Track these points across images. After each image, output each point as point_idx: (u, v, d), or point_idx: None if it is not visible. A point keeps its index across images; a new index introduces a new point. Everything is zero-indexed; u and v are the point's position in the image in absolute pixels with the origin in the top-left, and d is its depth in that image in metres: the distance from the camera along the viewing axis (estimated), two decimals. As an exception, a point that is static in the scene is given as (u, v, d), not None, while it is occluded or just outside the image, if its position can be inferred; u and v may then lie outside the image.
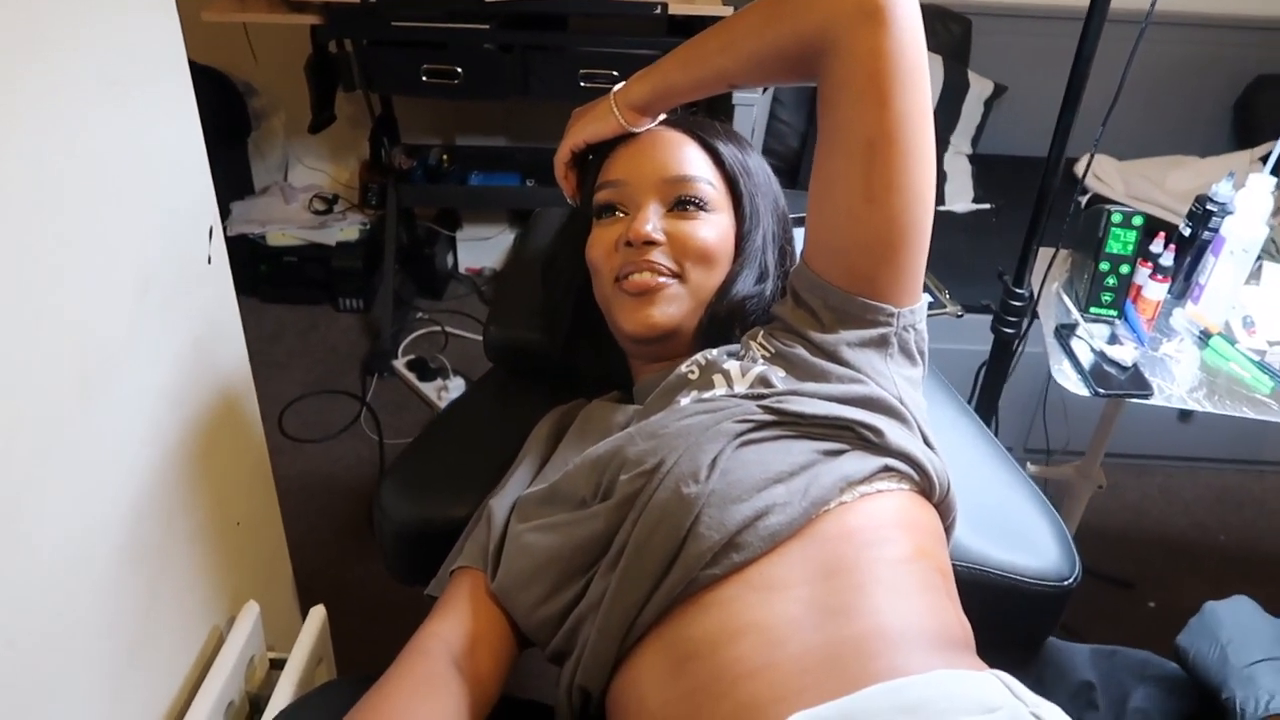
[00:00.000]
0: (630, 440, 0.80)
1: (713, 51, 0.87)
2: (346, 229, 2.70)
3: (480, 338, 1.91)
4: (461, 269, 2.91)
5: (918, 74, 0.79)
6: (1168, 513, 2.19)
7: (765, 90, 2.33)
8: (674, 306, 0.89)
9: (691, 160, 0.93)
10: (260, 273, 2.67)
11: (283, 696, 1.04)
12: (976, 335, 1.62)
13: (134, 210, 0.89)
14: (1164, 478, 2.27)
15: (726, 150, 0.95)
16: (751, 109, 2.18)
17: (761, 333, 0.89)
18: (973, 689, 0.63)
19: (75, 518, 0.83)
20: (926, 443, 0.83)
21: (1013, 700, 0.62)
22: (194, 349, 1.02)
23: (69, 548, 0.82)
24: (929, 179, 0.81)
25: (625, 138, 0.95)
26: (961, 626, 0.76)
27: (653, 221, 0.89)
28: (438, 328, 2.65)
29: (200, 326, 1.03)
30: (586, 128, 0.96)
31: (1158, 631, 1.88)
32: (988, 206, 2.42)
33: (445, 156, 2.63)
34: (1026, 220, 1.42)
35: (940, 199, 2.43)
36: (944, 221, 2.42)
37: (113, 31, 0.84)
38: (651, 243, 0.89)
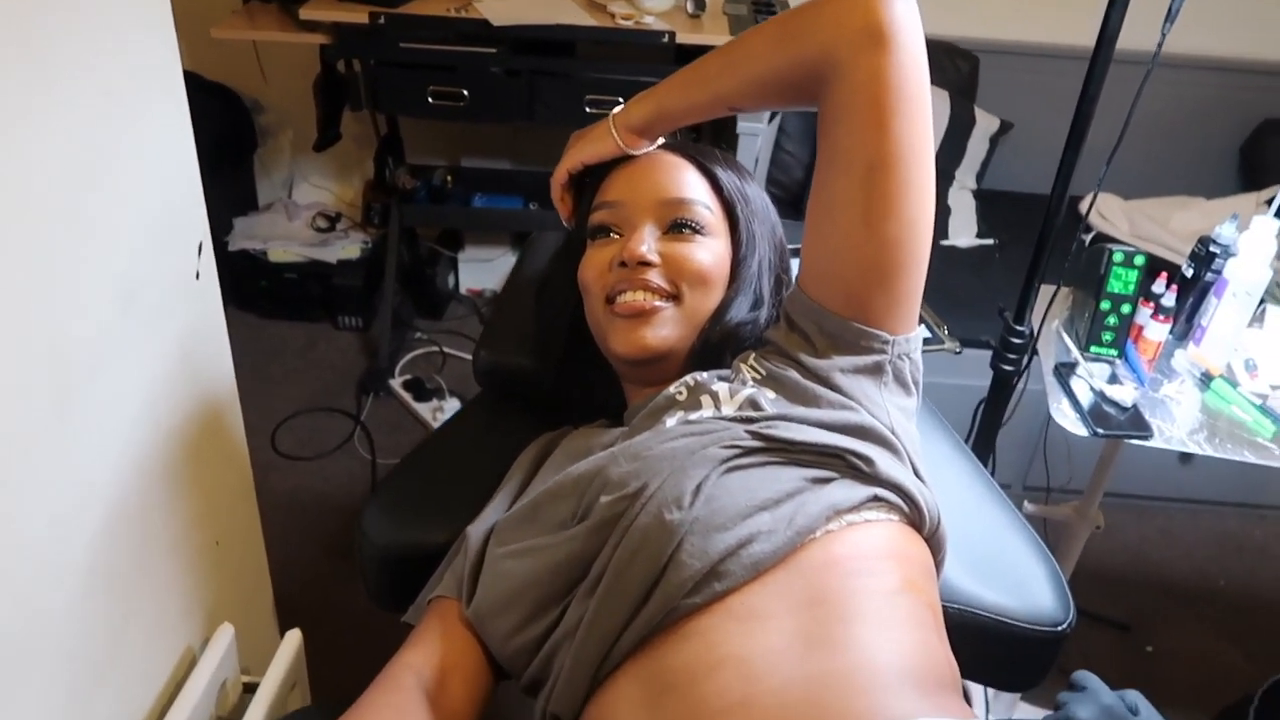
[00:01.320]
0: (613, 460, 0.78)
1: (713, 75, 0.87)
2: (348, 247, 2.69)
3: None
4: (462, 290, 2.91)
5: (919, 100, 0.78)
6: (1167, 555, 2.16)
7: (770, 120, 2.33)
8: (667, 329, 0.88)
9: (689, 183, 0.92)
10: (261, 289, 2.67)
11: (253, 722, 1.02)
12: (976, 371, 1.60)
13: (119, 223, 0.88)
14: (1164, 519, 2.24)
15: (725, 176, 0.94)
16: (756, 139, 2.18)
17: (753, 355, 0.87)
18: (956, 740, 0.61)
19: (46, 531, 0.81)
20: (918, 474, 0.81)
21: (997, 753, 0.59)
22: (178, 364, 1.00)
23: (39, 561, 0.80)
24: (928, 206, 0.80)
25: (623, 160, 0.95)
26: (949, 666, 0.73)
27: (648, 242, 0.88)
28: (436, 348, 2.64)
29: (186, 342, 1.02)
30: (585, 149, 0.95)
31: (1155, 676, 1.86)
32: (991, 242, 2.41)
33: (449, 178, 2.63)
34: (1029, 257, 1.41)
35: (944, 233, 2.42)
36: (947, 256, 2.43)
37: (109, 44, 0.84)
38: (646, 263, 0.88)
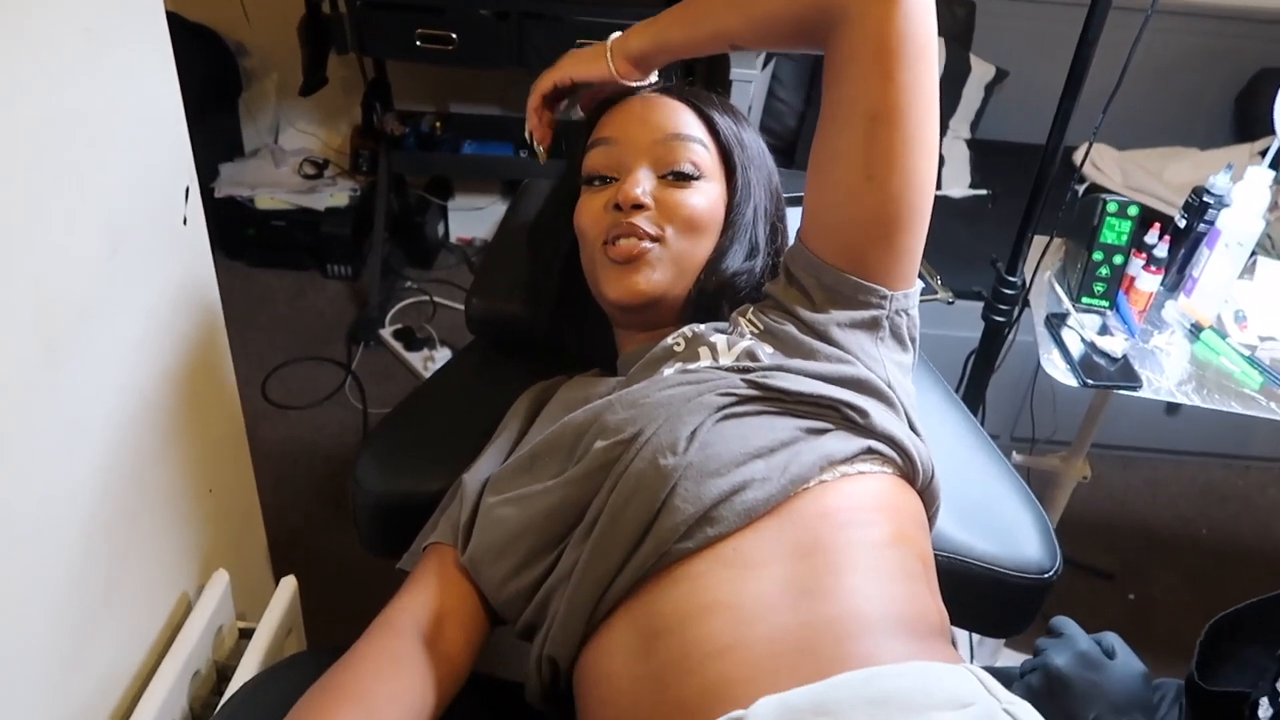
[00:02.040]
0: (609, 408, 0.79)
1: (719, 10, 0.85)
2: (336, 194, 2.66)
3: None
4: (452, 239, 2.88)
5: (926, 52, 0.77)
6: (1151, 505, 2.19)
7: (764, 67, 2.30)
8: (658, 273, 0.87)
9: (686, 123, 0.91)
10: (248, 236, 2.64)
11: (250, 667, 1.03)
12: (967, 322, 1.60)
13: (104, 167, 0.86)
14: (1149, 470, 2.27)
15: (722, 121, 0.93)
16: (749, 85, 2.15)
17: (751, 309, 0.87)
18: (947, 683, 0.62)
19: (39, 481, 0.81)
20: (913, 429, 0.82)
21: (986, 696, 0.60)
22: (167, 312, 0.99)
23: (32, 510, 0.80)
24: (930, 161, 0.80)
25: (618, 100, 0.93)
26: (939, 615, 0.74)
27: (643, 185, 0.87)
28: (426, 297, 2.63)
29: (174, 289, 1.01)
30: (576, 66, 0.94)
31: (1137, 623, 1.90)
32: (984, 192, 2.40)
33: (438, 124, 2.59)
34: (1022, 207, 1.40)
35: (937, 184, 2.40)
36: (939, 206, 2.38)
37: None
38: (640, 206, 0.87)
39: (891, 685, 0.60)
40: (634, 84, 0.93)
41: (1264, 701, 0.71)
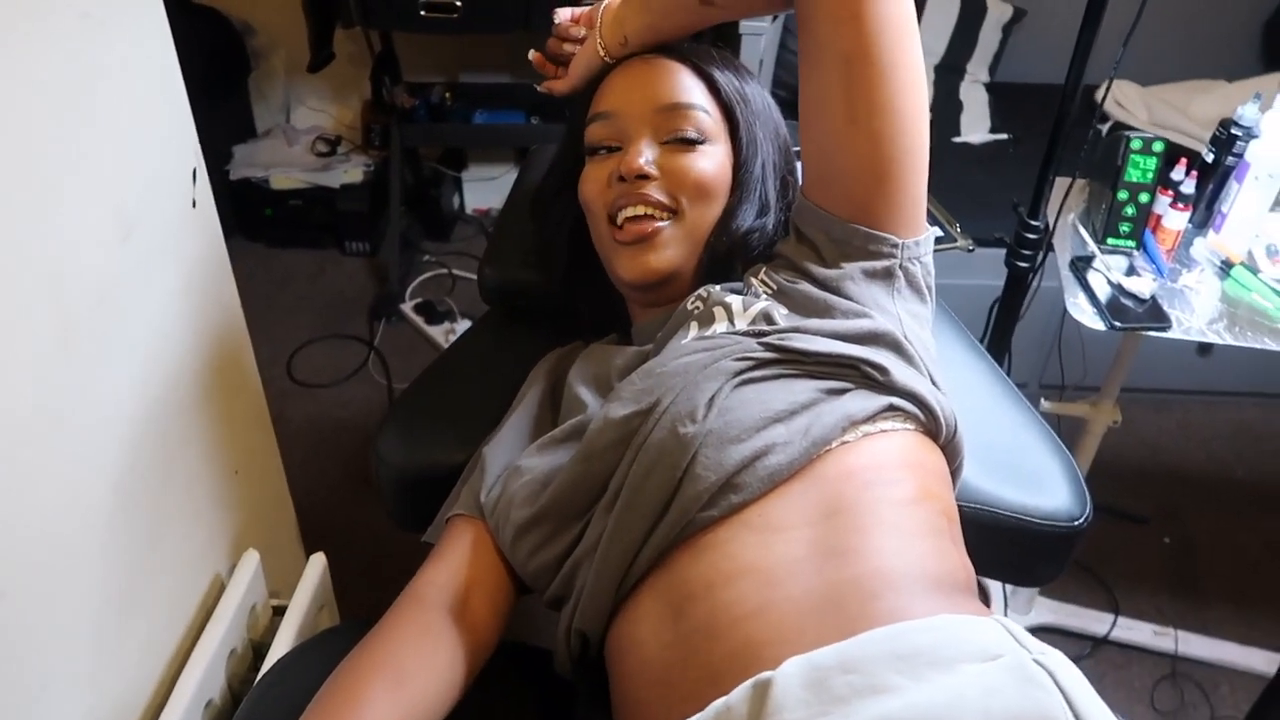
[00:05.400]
0: (628, 381, 0.78)
1: None
2: (350, 171, 2.66)
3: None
4: (468, 210, 2.87)
5: None
6: (1184, 448, 2.16)
7: (775, 19, 2.26)
8: (671, 249, 0.86)
9: (686, 88, 0.89)
10: (265, 217, 2.64)
11: (284, 643, 1.04)
12: (990, 270, 1.57)
13: (110, 154, 0.86)
14: (1182, 413, 2.23)
15: (722, 78, 0.91)
16: (760, 39, 2.11)
17: (764, 269, 0.86)
18: (975, 635, 0.61)
19: (63, 470, 0.82)
20: (934, 382, 0.80)
21: (1015, 647, 0.60)
22: (183, 295, 1.00)
23: (57, 499, 0.81)
24: (916, 97, 0.77)
25: (617, 65, 0.92)
26: (965, 571, 0.74)
27: (646, 155, 0.86)
28: (445, 270, 2.63)
29: (188, 271, 1.01)
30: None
31: (1172, 567, 1.88)
32: (1005, 137, 2.35)
33: (448, 94, 2.57)
34: (1045, 150, 1.36)
35: (956, 130, 2.36)
36: (959, 153, 2.38)
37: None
38: (645, 176, 0.85)
39: (918, 640, 0.60)
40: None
41: None
